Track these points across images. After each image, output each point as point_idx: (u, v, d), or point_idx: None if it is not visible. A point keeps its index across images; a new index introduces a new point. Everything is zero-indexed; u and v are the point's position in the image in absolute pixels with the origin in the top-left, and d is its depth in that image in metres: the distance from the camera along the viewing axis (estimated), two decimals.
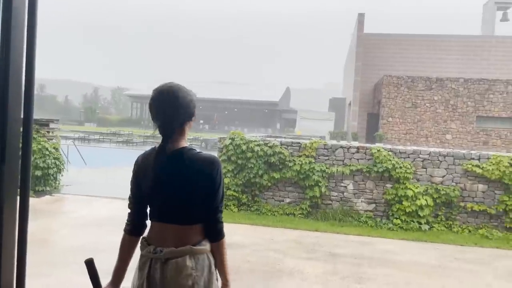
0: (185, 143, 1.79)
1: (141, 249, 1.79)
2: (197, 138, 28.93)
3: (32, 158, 8.62)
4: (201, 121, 53.17)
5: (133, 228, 1.82)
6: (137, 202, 1.82)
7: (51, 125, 9.26)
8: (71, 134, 27.15)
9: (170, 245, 1.71)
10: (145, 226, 1.83)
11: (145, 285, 1.71)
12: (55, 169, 9.02)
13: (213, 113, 54.43)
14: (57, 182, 9.30)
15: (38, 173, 8.62)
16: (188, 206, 1.74)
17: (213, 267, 1.78)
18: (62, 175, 9.53)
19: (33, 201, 8.08)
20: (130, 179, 1.83)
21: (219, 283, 1.84)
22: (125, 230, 1.83)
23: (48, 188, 8.87)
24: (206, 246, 1.77)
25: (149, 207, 1.80)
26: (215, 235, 1.80)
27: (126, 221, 1.84)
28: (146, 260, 1.74)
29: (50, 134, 9.22)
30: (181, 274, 1.68)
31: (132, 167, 1.83)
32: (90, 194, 9.04)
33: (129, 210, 1.84)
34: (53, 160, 8.94)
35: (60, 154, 9.52)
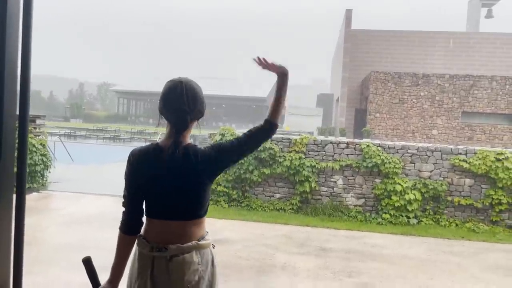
0: (188, 140, 1.78)
1: (140, 247, 1.74)
2: None
3: None
4: None
5: (130, 226, 1.76)
6: (133, 199, 1.75)
7: (38, 121, 9.13)
8: (57, 130, 26.78)
9: (175, 241, 1.68)
10: (142, 223, 1.78)
11: (149, 285, 1.68)
12: (42, 166, 8.90)
13: None
14: (44, 179, 9.18)
15: None
16: (195, 201, 1.72)
17: (215, 260, 1.79)
18: (49, 172, 9.40)
19: None
20: (125, 176, 1.76)
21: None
22: (120, 229, 1.77)
23: (35, 185, 8.75)
24: (208, 240, 1.77)
25: (149, 204, 1.74)
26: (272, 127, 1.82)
27: (121, 220, 1.77)
28: (147, 258, 1.70)
29: (37, 130, 9.09)
30: (188, 270, 1.66)
31: (126, 163, 1.76)
32: (77, 191, 8.95)
33: (123, 208, 1.77)
34: (40, 157, 8.81)
35: (47, 151, 9.40)
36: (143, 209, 1.77)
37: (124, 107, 58.55)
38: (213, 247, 1.81)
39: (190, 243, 1.69)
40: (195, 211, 1.74)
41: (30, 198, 8.05)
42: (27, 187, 8.47)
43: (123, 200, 1.79)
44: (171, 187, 1.69)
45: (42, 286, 4.05)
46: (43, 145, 9.12)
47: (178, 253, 1.67)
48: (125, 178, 1.76)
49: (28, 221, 6.16)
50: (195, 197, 1.72)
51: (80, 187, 9.35)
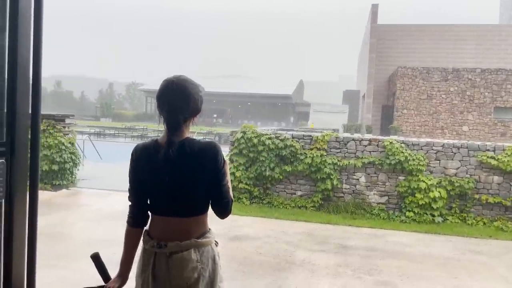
0: (187, 135, 1.79)
1: (144, 243, 1.80)
2: (211, 132, 29.11)
3: (49, 153, 8.80)
4: (215, 115, 53.38)
5: (136, 220, 1.83)
6: (137, 194, 1.81)
7: (67, 121, 9.41)
8: (87, 129, 27.58)
9: (174, 238, 1.71)
10: (148, 217, 1.84)
11: (150, 279, 1.73)
12: (71, 164, 9.19)
13: (226, 107, 54.55)
14: (74, 176, 9.47)
15: (55, 167, 8.79)
16: (192, 198, 1.74)
17: (217, 258, 1.80)
18: (78, 169, 9.70)
19: (50, 195, 8.26)
20: (128, 171, 1.82)
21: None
22: (128, 223, 1.84)
23: (64, 182, 9.05)
24: (210, 238, 1.79)
25: (150, 200, 1.79)
26: (223, 214, 1.81)
27: (128, 214, 1.84)
28: (150, 254, 1.75)
29: (66, 129, 9.39)
30: (186, 267, 1.69)
31: (130, 159, 1.82)
32: (105, 188, 9.19)
33: (129, 203, 1.84)
34: (69, 155, 9.10)
35: (76, 149, 9.69)
36: (147, 203, 1.81)
37: (152, 106, 59.66)
38: (216, 245, 1.83)
39: (188, 241, 1.72)
40: (194, 208, 1.76)
41: (60, 195, 8.36)
42: (56, 184, 8.84)
43: (128, 194, 1.85)
44: (168, 184, 1.72)
45: (68, 280, 4.21)
46: (72, 144, 9.42)
47: (177, 250, 1.70)
48: (128, 173, 1.82)
49: (57, 216, 6.42)
50: (192, 194, 1.73)
51: (108, 184, 9.59)
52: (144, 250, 1.80)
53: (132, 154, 1.82)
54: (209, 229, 1.83)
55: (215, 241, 1.84)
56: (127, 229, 1.84)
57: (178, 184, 1.72)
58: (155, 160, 1.73)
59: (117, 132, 29.55)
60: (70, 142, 9.32)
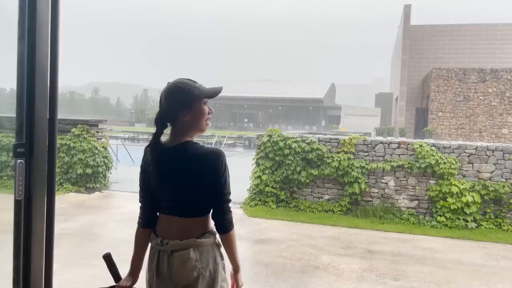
0: (188, 138, 1.81)
1: (150, 241, 1.85)
2: (241, 137, 29.30)
3: (83, 157, 9.14)
4: (246, 120, 53.71)
5: (145, 221, 1.88)
6: (146, 195, 1.87)
7: (100, 126, 9.75)
8: (122, 134, 28.40)
9: (175, 237, 1.74)
10: (155, 217, 1.88)
11: (154, 276, 1.77)
12: (104, 167, 9.50)
13: (257, 112, 54.77)
14: (106, 179, 9.78)
15: (89, 170, 9.11)
16: (192, 199, 1.76)
17: (218, 258, 1.79)
18: (110, 173, 10.00)
19: (83, 197, 8.57)
20: (139, 173, 1.89)
21: (230, 268, 1.88)
22: (138, 223, 1.90)
23: (98, 185, 9.36)
24: (210, 238, 1.78)
25: (157, 200, 1.84)
26: (224, 227, 1.78)
27: (138, 214, 1.90)
28: (155, 252, 1.80)
29: (99, 134, 9.72)
30: (186, 266, 1.71)
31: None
32: (136, 191, 9.43)
33: (140, 204, 1.90)
34: (102, 159, 9.42)
35: (109, 153, 10.00)
36: (156, 204, 1.85)
37: None
38: (218, 245, 1.82)
39: (187, 240, 1.73)
40: (194, 209, 1.78)
41: (93, 197, 8.65)
42: (90, 186, 9.15)
43: (139, 196, 1.92)
44: (169, 184, 1.77)
45: (97, 278, 4.36)
46: (105, 148, 9.74)
47: (176, 248, 1.73)
48: (139, 176, 1.90)
49: (89, 218, 6.67)
50: (193, 195, 1.75)
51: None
52: (151, 248, 1.85)
53: (142, 158, 1.90)
54: (211, 229, 1.83)
55: (217, 241, 1.83)
56: (137, 229, 1.90)
57: (179, 185, 1.76)
58: (157, 160, 1.80)
59: (151, 137, 30.26)
60: (103, 147, 9.64)
